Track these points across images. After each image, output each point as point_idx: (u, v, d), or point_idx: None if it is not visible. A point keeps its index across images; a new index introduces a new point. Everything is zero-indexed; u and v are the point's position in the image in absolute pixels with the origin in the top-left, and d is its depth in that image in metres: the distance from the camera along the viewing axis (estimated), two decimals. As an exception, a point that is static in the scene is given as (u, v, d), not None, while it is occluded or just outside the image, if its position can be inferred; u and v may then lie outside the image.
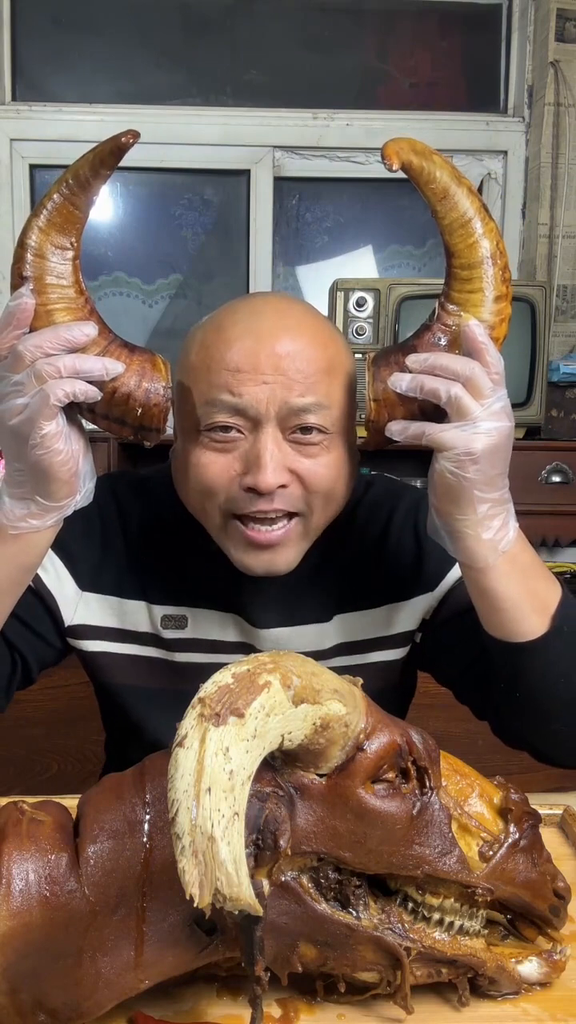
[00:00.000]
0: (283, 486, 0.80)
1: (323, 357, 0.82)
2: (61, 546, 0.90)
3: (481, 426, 0.72)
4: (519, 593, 0.79)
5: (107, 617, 0.96)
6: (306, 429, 0.81)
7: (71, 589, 0.94)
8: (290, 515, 0.83)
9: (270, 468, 0.79)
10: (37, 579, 0.92)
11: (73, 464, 0.74)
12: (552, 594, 0.81)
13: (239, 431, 0.81)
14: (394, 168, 0.71)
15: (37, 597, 0.93)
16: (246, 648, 0.96)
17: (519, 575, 0.79)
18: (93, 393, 0.72)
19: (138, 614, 0.96)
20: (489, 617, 0.81)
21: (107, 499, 0.96)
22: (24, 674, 0.95)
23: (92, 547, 0.96)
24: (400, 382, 0.74)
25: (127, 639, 0.97)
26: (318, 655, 0.95)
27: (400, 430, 0.76)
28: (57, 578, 0.94)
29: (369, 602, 0.97)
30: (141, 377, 0.75)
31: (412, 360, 0.74)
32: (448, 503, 0.76)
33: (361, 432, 0.81)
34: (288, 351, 0.80)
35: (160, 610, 0.96)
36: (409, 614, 0.97)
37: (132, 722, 0.99)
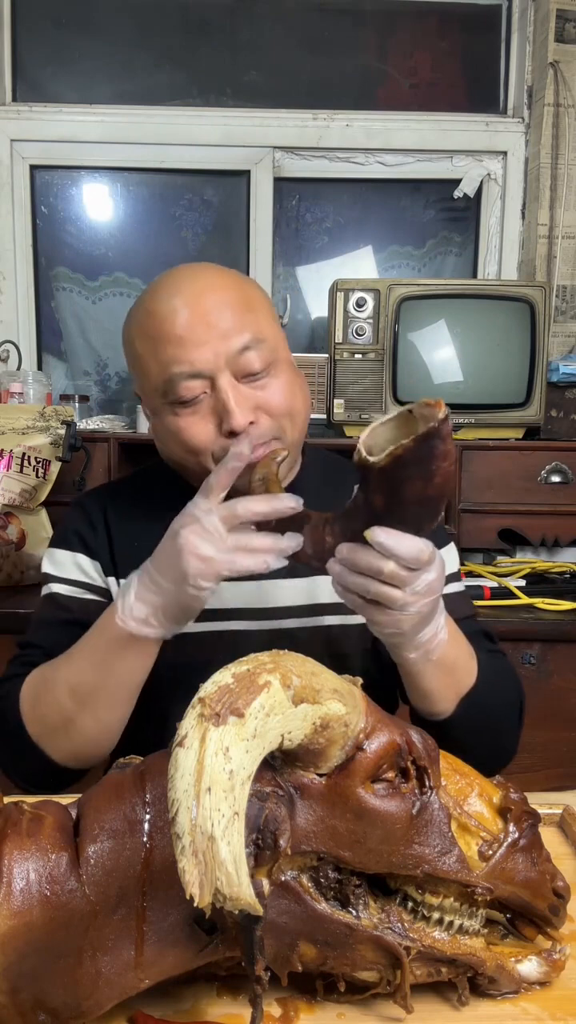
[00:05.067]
0: (252, 422, 0.89)
1: (241, 300, 0.91)
2: (80, 543, 1.01)
3: (408, 609, 0.75)
4: (440, 686, 0.87)
5: None
6: (253, 373, 0.89)
7: (101, 576, 1.01)
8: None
9: (237, 411, 0.87)
10: (87, 580, 1.01)
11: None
12: (467, 681, 0.90)
13: (203, 392, 0.89)
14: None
15: (99, 592, 1.00)
16: (252, 611, 0.99)
17: (443, 672, 0.86)
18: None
19: None
20: (411, 694, 0.90)
21: (97, 507, 1.05)
22: None
23: (100, 541, 1.02)
24: (331, 576, 0.77)
25: None
26: (312, 609, 1.00)
27: (340, 593, 0.78)
28: (93, 572, 1.01)
29: None
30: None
31: (338, 553, 0.75)
32: (388, 645, 0.83)
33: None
34: (212, 306, 0.88)
35: None
36: None
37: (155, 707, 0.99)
